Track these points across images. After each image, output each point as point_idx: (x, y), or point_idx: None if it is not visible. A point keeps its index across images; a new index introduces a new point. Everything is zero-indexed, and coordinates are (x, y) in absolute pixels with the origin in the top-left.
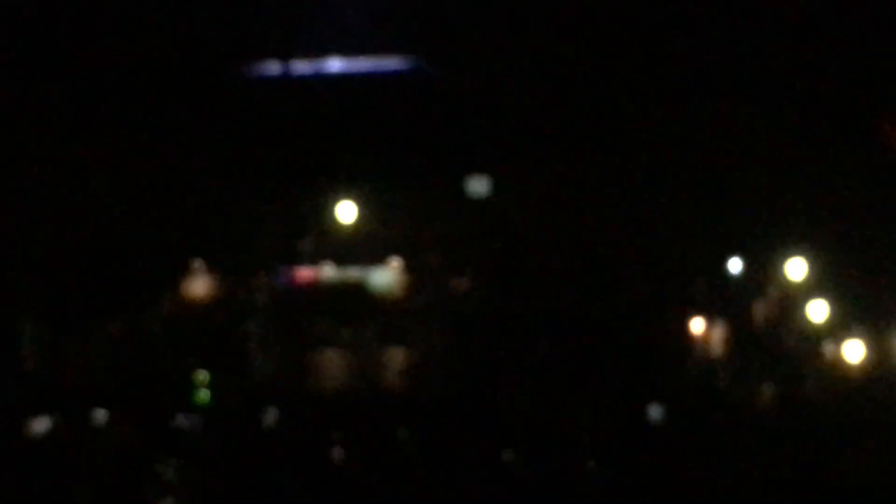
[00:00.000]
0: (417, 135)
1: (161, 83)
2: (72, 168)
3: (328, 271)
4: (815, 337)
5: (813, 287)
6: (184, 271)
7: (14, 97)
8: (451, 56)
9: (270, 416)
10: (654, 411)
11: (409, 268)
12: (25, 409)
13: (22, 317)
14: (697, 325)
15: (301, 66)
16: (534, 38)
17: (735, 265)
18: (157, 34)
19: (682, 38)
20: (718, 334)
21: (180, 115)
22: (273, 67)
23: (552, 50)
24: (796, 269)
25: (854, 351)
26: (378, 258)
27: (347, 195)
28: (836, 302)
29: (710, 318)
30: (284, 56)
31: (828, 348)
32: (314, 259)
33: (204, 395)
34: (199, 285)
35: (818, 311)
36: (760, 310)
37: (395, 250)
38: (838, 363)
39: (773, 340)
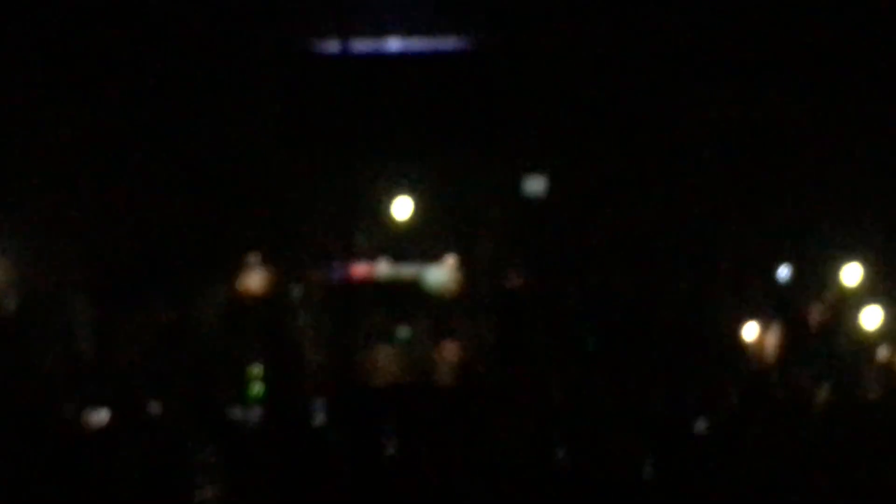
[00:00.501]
0: (475, 130)
1: (218, 70)
2: (131, 155)
3: (383, 267)
4: (870, 342)
5: (868, 292)
6: (239, 264)
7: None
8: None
9: (323, 410)
10: (706, 412)
11: (463, 264)
12: (75, 392)
13: (74, 298)
14: (751, 328)
15: (360, 47)
16: (590, 39)
17: (788, 270)
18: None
19: (736, 50)
20: (772, 338)
21: (238, 104)
22: (332, 48)
23: (610, 52)
24: (851, 274)
25: None
26: (433, 255)
27: (404, 191)
28: (890, 307)
29: (765, 321)
30: (343, 36)
31: (882, 353)
32: (369, 255)
33: (257, 388)
34: (253, 278)
35: (873, 316)
36: (815, 314)
37: (450, 247)
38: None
39: (827, 345)
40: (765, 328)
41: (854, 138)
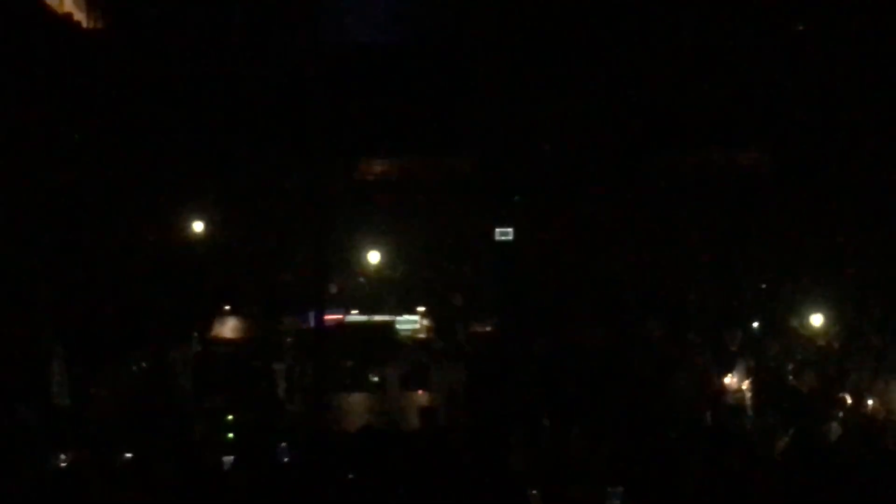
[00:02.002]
0: (445, 181)
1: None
2: (102, 213)
3: (355, 316)
4: (832, 384)
5: (831, 338)
6: (212, 313)
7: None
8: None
9: (294, 456)
10: (674, 451)
11: (434, 313)
12: (53, 444)
13: (51, 354)
14: (723, 377)
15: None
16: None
17: (759, 321)
18: None
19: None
20: (740, 380)
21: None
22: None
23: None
24: (816, 322)
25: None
26: (404, 303)
27: (375, 243)
28: (852, 351)
29: (736, 369)
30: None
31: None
32: (342, 303)
33: (230, 434)
34: (226, 327)
35: (835, 359)
36: (780, 357)
37: (421, 295)
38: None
39: (794, 392)
40: (737, 376)
41: (820, 197)
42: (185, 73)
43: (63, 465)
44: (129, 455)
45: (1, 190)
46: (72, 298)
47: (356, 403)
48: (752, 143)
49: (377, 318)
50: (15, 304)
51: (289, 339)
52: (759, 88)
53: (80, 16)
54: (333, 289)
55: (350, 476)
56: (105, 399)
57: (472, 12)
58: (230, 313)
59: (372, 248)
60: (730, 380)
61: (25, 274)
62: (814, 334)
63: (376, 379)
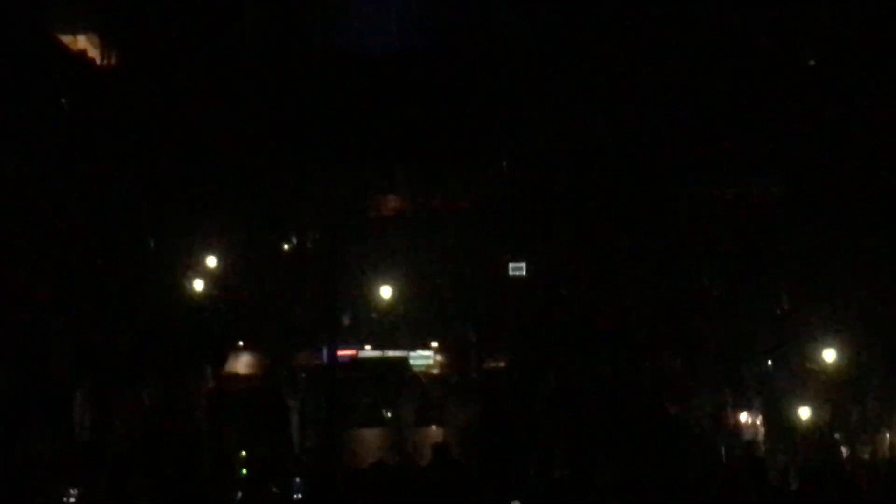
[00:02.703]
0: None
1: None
2: (119, 250)
3: (368, 351)
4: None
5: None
6: (226, 348)
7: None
8: None
9: (307, 491)
10: (686, 482)
11: (448, 349)
12: (75, 475)
13: (74, 389)
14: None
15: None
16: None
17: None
18: None
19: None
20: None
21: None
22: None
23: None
24: (828, 357)
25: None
26: (417, 338)
27: (388, 278)
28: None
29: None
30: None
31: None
32: (356, 339)
33: (243, 469)
34: (240, 362)
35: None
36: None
37: (434, 330)
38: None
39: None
40: (749, 414)
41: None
42: (198, 110)
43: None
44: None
45: (22, 226)
46: (91, 335)
47: (370, 438)
48: (765, 176)
49: (391, 353)
50: (37, 340)
51: (302, 375)
52: (772, 122)
53: (93, 53)
54: (346, 323)
55: None
56: (121, 434)
57: (492, 48)
58: (244, 349)
59: (385, 284)
60: (746, 417)
61: (47, 311)
62: (824, 370)
63: (390, 414)
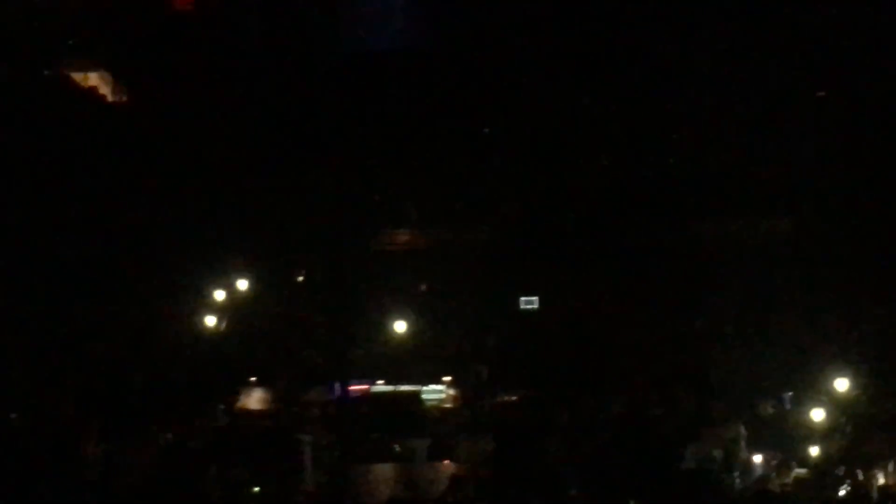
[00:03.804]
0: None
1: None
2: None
3: (381, 386)
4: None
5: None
6: (238, 385)
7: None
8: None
9: None
10: None
11: (460, 382)
12: None
13: (82, 429)
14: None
15: None
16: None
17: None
18: None
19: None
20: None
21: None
22: None
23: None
24: (840, 387)
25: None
26: (429, 373)
27: (400, 313)
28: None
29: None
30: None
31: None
32: (368, 374)
33: None
34: (252, 398)
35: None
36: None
37: (446, 365)
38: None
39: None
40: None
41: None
42: (207, 145)
43: None
44: None
45: (32, 262)
46: (100, 372)
47: (383, 474)
48: (776, 211)
49: (403, 388)
50: (45, 379)
51: (315, 411)
52: (782, 157)
53: (105, 90)
54: (359, 358)
55: None
56: (132, 471)
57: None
58: (256, 385)
59: (397, 319)
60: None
61: (55, 348)
62: (838, 403)
63: (403, 450)
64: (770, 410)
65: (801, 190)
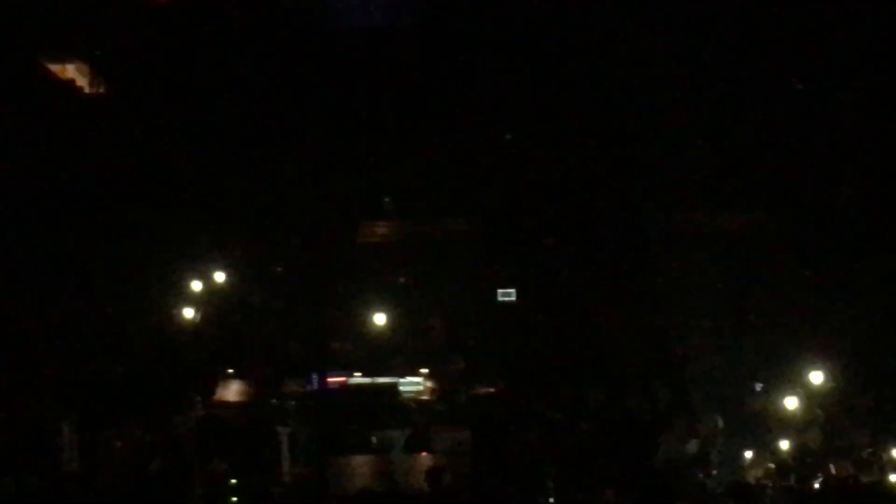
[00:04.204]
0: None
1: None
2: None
3: (357, 378)
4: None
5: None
6: (215, 377)
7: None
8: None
9: None
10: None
11: (437, 374)
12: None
13: (60, 419)
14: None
15: None
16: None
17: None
18: None
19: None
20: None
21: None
22: None
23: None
24: (815, 380)
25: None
26: (407, 365)
27: (378, 305)
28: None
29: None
30: None
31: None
32: (345, 366)
33: (233, 498)
34: (230, 390)
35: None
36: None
37: (424, 356)
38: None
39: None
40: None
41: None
42: (186, 137)
43: None
44: None
45: (8, 255)
46: (78, 364)
47: (360, 466)
48: (756, 205)
49: (380, 380)
50: (24, 372)
51: (292, 402)
52: (763, 151)
53: (82, 82)
54: (336, 349)
55: None
56: (110, 463)
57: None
58: (233, 377)
59: (375, 310)
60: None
61: (34, 341)
62: (814, 395)
63: (380, 442)
64: (749, 403)
65: (778, 184)
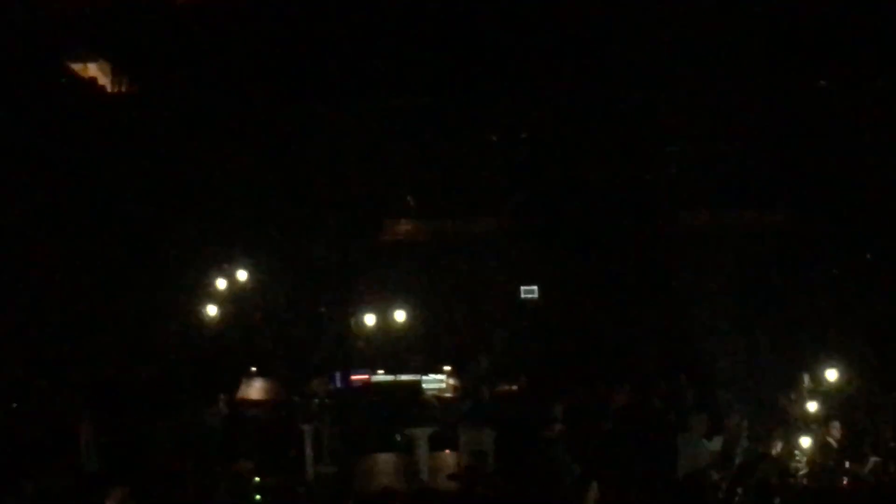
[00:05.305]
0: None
1: None
2: (130, 276)
3: (381, 375)
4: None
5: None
6: (239, 375)
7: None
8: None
9: None
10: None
11: (460, 372)
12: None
13: (80, 418)
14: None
15: None
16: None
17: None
18: None
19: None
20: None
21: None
22: None
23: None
24: (831, 377)
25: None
26: (430, 363)
27: (401, 303)
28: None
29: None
30: None
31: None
32: (369, 364)
33: (257, 496)
34: (254, 388)
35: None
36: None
37: (447, 354)
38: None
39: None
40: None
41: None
42: (208, 136)
43: None
44: None
45: (32, 253)
46: (101, 363)
47: (384, 464)
48: (781, 202)
49: (403, 377)
50: (45, 370)
51: (316, 401)
52: (788, 148)
53: (104, 80)
54: (360, 347)
55: None
56: (134, 462)
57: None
58: (257, 375)
59: (398, 308)
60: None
61: (55, 339)
62: (834, 389)
63: (404, 440)
64: (773, 402)
65: (803, 181)
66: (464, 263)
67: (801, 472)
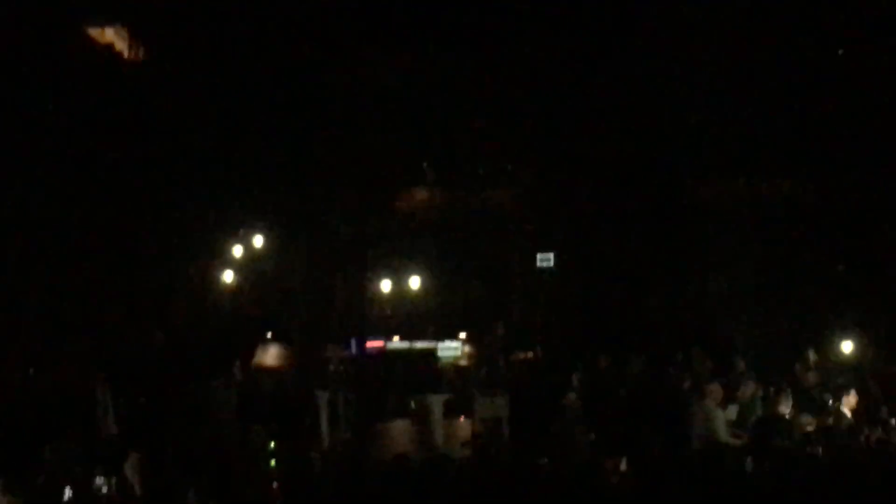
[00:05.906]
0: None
1: None
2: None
3: (396, 342)
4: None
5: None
6: (254, 341)
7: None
8: None
9: (337, 484)
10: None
11: (475, 339)
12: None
13: (95, 382)
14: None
15: None
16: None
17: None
18: None
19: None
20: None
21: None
22: None
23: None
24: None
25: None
26: (446, 331)
27: (417, 270)
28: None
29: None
30: None
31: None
32: (384, 330)
33: (272, 462)
34: (269, 354)
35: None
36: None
37: (462, 320)
38: None
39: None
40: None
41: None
42: (225, 102)
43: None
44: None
45: (46, 223)
46: (116, 328)
47: (399, 431)
48: (800, 172)
49: (419, 344)
50: (59, 336)
51: (331, 367)
52: (806, 118)
53: (121, 46)
54: (375, 314)
55: None
56: (150, 427)
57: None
58: (272, 341)
59: (414, 275)
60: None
61: (70, 307)
62: (849, 359)
63: (419, 406)
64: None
65: (822, 151)
66: (480, 231)
67: (815, 439)
